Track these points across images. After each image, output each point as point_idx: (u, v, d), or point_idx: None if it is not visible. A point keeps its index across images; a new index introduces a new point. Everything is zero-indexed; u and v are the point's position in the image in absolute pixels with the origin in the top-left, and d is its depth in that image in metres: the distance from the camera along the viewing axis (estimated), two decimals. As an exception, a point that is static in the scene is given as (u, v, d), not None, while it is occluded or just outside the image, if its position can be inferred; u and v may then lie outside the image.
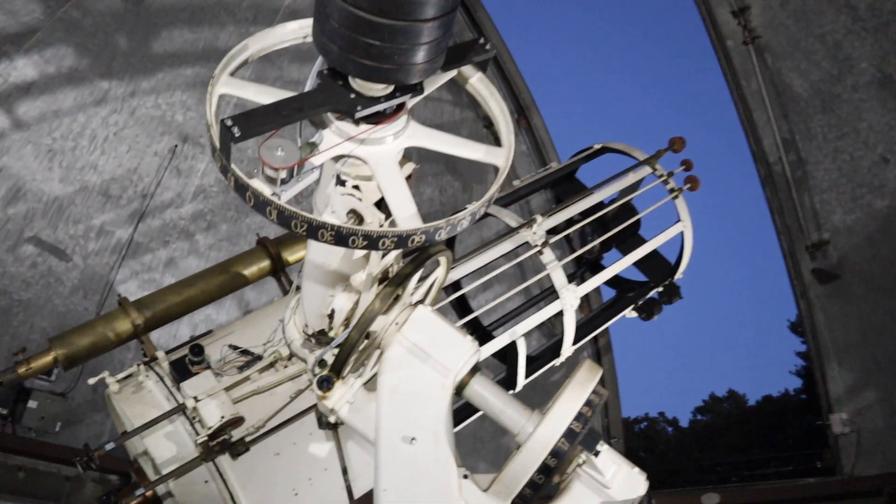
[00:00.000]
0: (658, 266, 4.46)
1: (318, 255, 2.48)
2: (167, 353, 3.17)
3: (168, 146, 9.34)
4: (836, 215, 8.15)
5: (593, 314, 4.53)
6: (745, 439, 23.41)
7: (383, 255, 2.40)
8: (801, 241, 8.38)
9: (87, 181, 8.94)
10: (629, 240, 4.33)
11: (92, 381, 3.13)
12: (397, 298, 2.48)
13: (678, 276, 4.45)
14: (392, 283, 2.39)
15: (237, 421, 2.89)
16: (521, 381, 3.70)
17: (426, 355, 2.37)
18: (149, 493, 3.02)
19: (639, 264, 4.35)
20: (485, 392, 2.42)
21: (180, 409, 2.90)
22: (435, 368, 2.36)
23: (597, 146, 4.48)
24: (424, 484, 2.17)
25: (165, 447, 2.98)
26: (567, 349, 3.91)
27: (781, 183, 8.40)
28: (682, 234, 4.31)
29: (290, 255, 3.77)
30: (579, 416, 2.23)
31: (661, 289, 4.44)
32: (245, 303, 9.15)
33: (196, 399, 2.89)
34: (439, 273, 2.72)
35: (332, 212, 2.22)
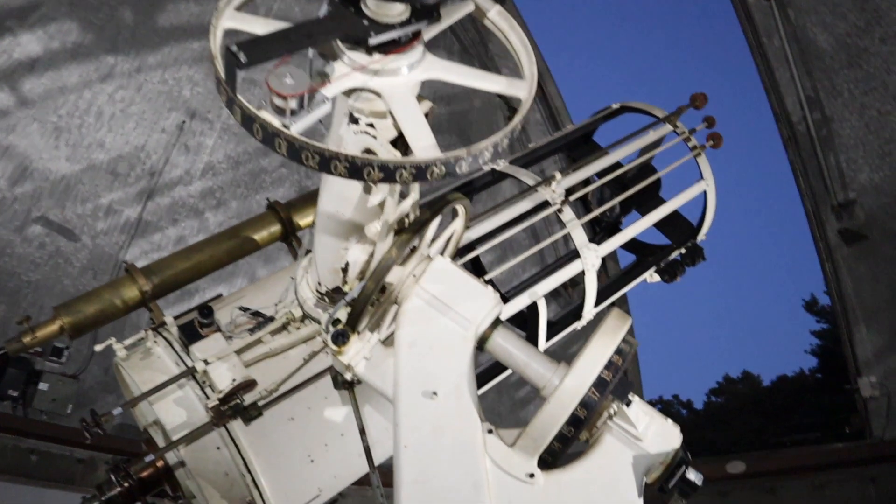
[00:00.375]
0: (680, 227, 4.33)
1: (330, 203, 2.36)
2: (176, 318, 3.07)
3: (176, 122, 9.22)
4: (864, 174, 7.92)
5: (615, 278, 4.40)
6: (761, 419, 23.33)
7: (399, 201, 2.28)
8: (826, 201, 8.17)
9: (95, 159, 8.84)
10: (650, 201, 4.20)
11: (99, 347, 3.05)
12: (414, 250, 2.38)
13: (701, 237, 4.32)
14: (409, 231, 2.28)
15: (249, 384, 2.78)
16: (542, 344, 3.58)
17: (446, 307, 2.26)
18: (160, 464, 2.93)
19: (660, 226, 4.22)
20: (508, 345, 2.30)
21: (190, 372, 2.80)
22: (455, 321, 2.24)
23: (615, 106, 4.34)
24: (447, 439, 2.06)
25: (175, 413, 2.88)
26: (588, 311, 3.78)
27: (805, 143, 8.15)
28: (704, 193, 4.18)
29: (302, 219, 3.66)
30: (610, 365, 2.10)
31: (683, 250, 4.30)
32: (257, 280, 9.08)
33: (206, 362, 2.79)
34: (457, 225, 2.61)
35: (345, 153, 2.10)
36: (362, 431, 2.49)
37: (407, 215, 2.41)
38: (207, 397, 2.77)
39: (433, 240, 2.52)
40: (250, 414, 2.77)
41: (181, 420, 2.86)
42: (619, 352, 2.14)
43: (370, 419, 2.89)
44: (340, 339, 2.21)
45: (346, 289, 2.45)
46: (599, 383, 2.07)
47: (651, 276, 4.26)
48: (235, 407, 2.74)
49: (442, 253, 2.54)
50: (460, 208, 2.51)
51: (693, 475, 2.09)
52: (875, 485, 7.34)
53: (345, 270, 2.46)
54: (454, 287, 2.29)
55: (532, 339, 3.56)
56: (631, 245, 4.30)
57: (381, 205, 2.32)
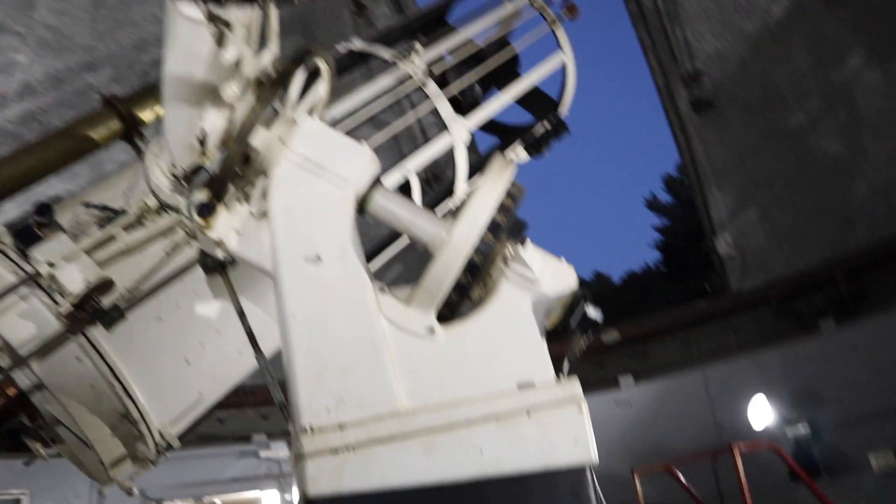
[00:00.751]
0: (542, 102, 4.30)
1: (178, 64, 2.08)
2: (7, 226, 2.70)
3: (-24, 37, 8.12)
4: (709, 44, 8.24)
5: (481, 158, 4.33)
6: (615, 316, 24.81)
7: (257, 52, 2.05)
8: (675, 74, 8.50)
9: None
10: (509, 78, 4.13)
11: None
12: (277, 114, 2.17)
13: (563, 110, 4.31)
14: (271, 88, 2.06)
15: (106, 285, 2.49)
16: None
17: (320, 168, 2.08)
18: (11, 391, 2.61)
19: (522, 102, 4.17)
20: (390, 204, 2.15)
21: (31, 278, 2.47)
22: (331, 182, 2.07)
23: (462, -19, 4.18)
24: (337, 304, 1.91)
25: (21, 329, 2.54)
26: (461, 186, 3.70)
27: (653, 18, 8.36)
28: (563, 67, 4.15)
29: (144, 113, 3.32)
30: (501, 208, 2.01)
31: (547, 125, 4.28)
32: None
33: (51, 265, 2.47)
34: (321, 86, 2.40)
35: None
36: (241, 314, 2.28)
37: (267, 75, 2.19)
38: (57, 304, 2.47)
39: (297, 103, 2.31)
40: (111, 317, 2.49)
41: (29, 335, 2.54)
42: (508, 195, 2.05)
43: (247, 314, 2.70)
44: (206, 210, 1.99)
45: (205, 162, 2.20)
46: (493, 227, 1.98)
47: (517, 153, 4.22)
48: (93, 311, 2.45)
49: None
50: (323, 65, 2.30)
51: (592, 312, 2.06)
52: (735, 333, 7.96)
53: (202, 142, 2.20)
54: (326, 147, 2.12)
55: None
56: (493, 128, 4.24)
57: (239, 62, 2.08)
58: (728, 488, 7.07)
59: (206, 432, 9.58)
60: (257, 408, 9.75)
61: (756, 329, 7.76)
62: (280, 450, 9.19)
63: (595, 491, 1.77)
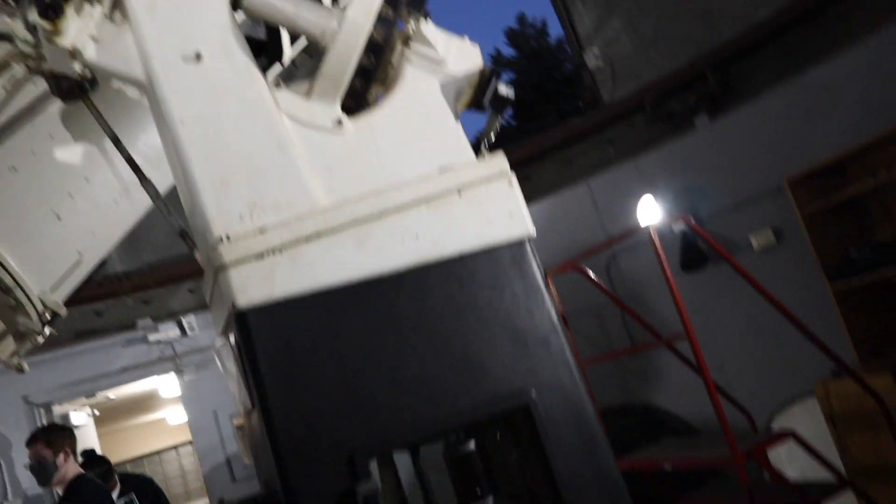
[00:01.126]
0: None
1: None
2: None
3: None
4: None
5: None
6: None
7: None
8: None
9: None
10: None
11: None
12: None
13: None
14: None
15: (-61, 134, 2.14)
16: (290, 51, 3.18)
17: (180, -44, 1.78)
18: None
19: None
20: (268, -5, 1.90)
21: None
22: (197, -30, 1.79)
23: None
24: (229, 103, 1.68)
25: None
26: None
27: None
28: None
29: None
30: (396, -21, 1.80)
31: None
32: None
33: None
34: None
35: None
36: (116, 140, 2.00)
37: None
38: None
39: None
40: (-46, 174, 2.16)
41: None
42: (401, -33, 1.84)
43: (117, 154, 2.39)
44: (51, 12, 1.68)
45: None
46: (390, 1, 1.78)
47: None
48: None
49: None
50: None
51: (504, 89, 1.94)
52: (613, 145, 8.13)
53: (26, -62, 1.84)
54: (184, -69, 1.81)
55: (276, 55, 3.14)
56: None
57: None
58: (620, 290, 7.45)
59: (84, 328, 9.07)
60: (135, 294, 9.26)
61: (633, 136, 7.93)
62: (169, 330, 8.82)
63: (536, 262, 1.71)
